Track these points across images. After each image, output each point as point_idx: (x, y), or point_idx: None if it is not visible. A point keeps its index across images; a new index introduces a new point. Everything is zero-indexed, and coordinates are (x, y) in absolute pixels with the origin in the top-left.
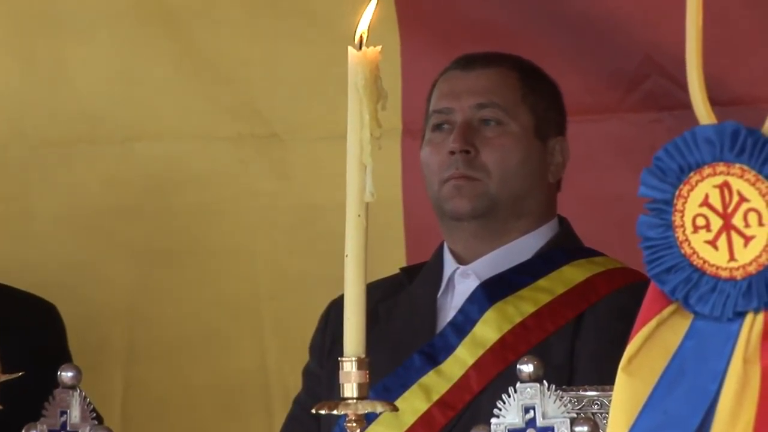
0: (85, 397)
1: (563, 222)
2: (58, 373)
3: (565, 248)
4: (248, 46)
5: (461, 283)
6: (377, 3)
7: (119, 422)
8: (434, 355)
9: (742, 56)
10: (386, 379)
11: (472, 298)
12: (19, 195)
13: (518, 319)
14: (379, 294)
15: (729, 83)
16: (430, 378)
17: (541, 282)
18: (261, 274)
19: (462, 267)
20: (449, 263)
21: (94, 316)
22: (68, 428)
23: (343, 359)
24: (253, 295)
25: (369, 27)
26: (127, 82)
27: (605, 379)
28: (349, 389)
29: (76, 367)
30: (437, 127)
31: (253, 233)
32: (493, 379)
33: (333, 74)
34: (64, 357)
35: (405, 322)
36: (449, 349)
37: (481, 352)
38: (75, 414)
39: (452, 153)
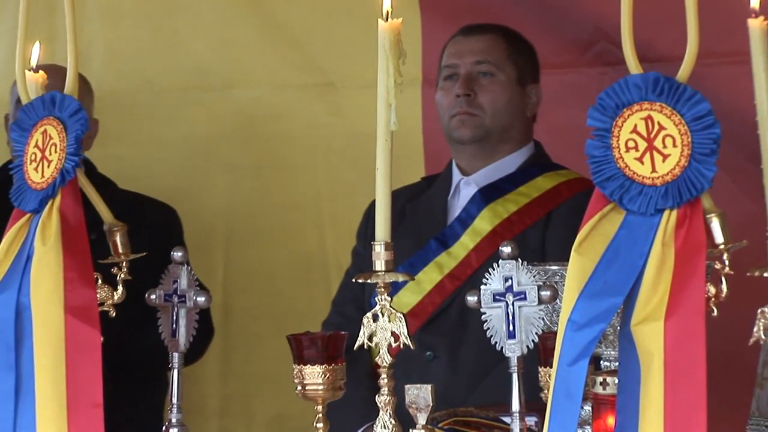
0: (190, 270)
1: (538, 145)
2: (171, 253)
3: (539, 164)
4: (311, 17)
5: (465, 189)
6: None
7: (221, 290)
8: (445, 241)
9: (666, 24)
10: (411, 258)
11: (472, 200)
12: (148, 127)
13: (505, 216)
14: (406, 196)
15: (656, 45)
16: (442, 258)
17: (522, 189)
18: (321, 183)
19: (465, 177)
20: (456, 174)
21: (201, 212)
22: (178, 292)
23: (374, 243)
24: (316, 197)
25: (392, 4)
26: (225, 45)
27: (567, 258)
28: (379, 264)
29: (185, 248)
30: (447, 77)
31: (316, 154)
32: (487, 258)
33: (373, 39)
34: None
35: (425, 217)
36: (456, 237)
37: (479, 239)
38: (183, 282)
39: (458, 96)
